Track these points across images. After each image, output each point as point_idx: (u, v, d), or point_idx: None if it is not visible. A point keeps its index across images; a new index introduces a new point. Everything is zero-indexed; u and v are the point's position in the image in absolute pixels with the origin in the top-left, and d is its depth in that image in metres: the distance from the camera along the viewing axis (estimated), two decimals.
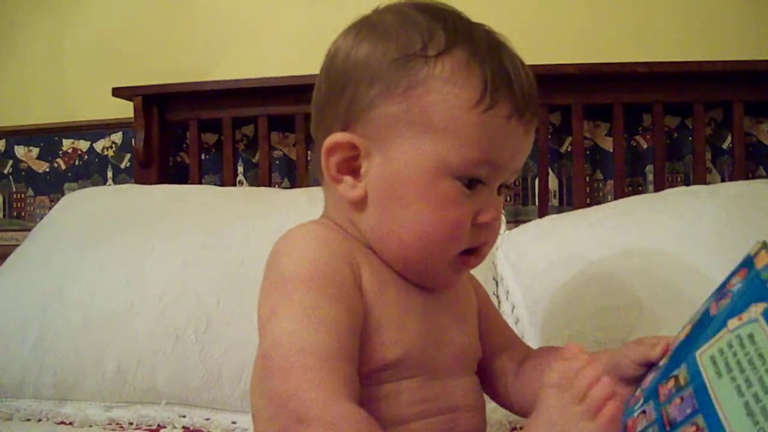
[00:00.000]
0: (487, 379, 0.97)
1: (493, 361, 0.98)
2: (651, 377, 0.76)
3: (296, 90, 2.08)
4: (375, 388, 0.77)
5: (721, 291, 0.72)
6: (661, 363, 0.76)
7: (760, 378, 0.57)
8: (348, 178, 0.81)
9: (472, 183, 0.80)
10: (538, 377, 0.90)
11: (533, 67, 0.84)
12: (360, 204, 0.82)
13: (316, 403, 0.65)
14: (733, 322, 0.64)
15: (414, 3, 0.84)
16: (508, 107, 0.78)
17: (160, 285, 1.44)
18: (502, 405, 1.00)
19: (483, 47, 0.79)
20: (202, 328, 1.37)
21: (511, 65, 0.80)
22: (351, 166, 0.81)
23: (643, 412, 0.70)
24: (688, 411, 0.62)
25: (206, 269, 1.45)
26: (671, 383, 0.68)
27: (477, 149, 0.78)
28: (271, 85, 2.07)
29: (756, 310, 0.62)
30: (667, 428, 0.65)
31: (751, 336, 0.61)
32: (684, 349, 0.71)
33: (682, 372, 0.68)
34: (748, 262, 0.71)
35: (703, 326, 0.70)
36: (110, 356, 1.38)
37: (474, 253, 0.85)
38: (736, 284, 0.70)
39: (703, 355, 0.66)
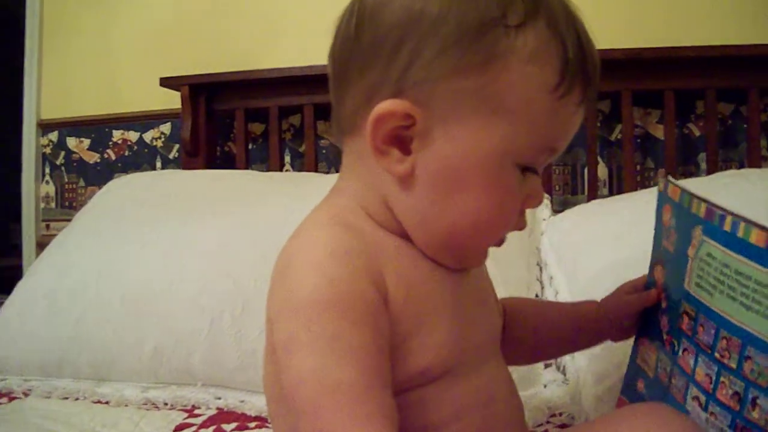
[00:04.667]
0: (511, 346, 0.91)
1: (510, 324, 0.93)
2: (664, 320, 0.85)
3: None
4: (403, 397, 0.69)
5: (663, 230, 0.86)
6: (663, 306, 0.86)
7: (736, 280, 0.69)
8: (395, 151, 0.70)
9: (526, 169, 0.72)
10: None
11: None
12: (404, 181, 0.71)
13: None
14: (690, 251, 0.78)
15: None
16: (580, 94, 0.71)
17: (197, 266, 1.44)
18: (526, 362, 1.07)
19: (561, 20, 0.70)
20: (238, 309, 1.36)
21: (587, 44, 0.72)
22: (399, 138, 0.70)
23: (685, 350, 0.79)
24: (712, 332, 0.73)
25: (243, 251, 1.44)
26: (686, 319, 0.79)
27: (545, 136, 0.71)
28: (317, 74, 2.04)
29: (697, 234, 0.76)
30: (708, 351, 0.74)
31: (709, 254, 0.74)
32: (673, 288, 0.83)
33: (686, 306, 0.79)
34: (665, 199, 0.86)
35: (673, 264, 0.83)
36: (147, 337, 1.38)
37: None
38: (670, 220, 0.84)
39: (690, 286, 0.78)
